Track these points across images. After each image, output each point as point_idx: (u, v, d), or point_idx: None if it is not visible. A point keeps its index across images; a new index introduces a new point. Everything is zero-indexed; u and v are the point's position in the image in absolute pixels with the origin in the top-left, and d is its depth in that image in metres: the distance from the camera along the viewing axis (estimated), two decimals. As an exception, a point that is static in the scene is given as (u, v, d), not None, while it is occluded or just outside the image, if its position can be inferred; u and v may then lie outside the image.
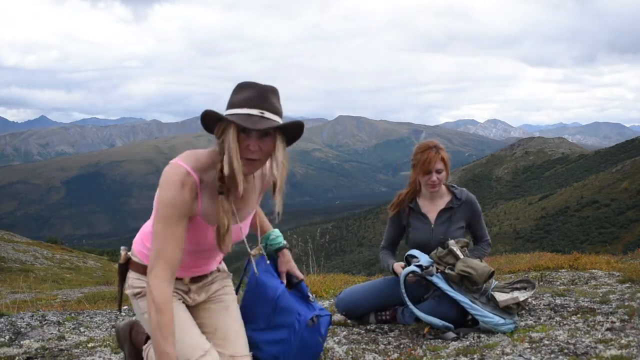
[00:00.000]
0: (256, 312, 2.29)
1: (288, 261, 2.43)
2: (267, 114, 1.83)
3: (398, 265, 3.37)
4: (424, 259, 3.25)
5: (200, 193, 1.90)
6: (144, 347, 2.28)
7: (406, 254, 3.37)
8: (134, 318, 2.66)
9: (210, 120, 1.87)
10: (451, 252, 3.17)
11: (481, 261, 3.25)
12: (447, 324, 3.08)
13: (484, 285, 3.12)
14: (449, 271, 3.10)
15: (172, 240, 1.85)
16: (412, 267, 3.18)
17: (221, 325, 2.20)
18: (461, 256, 3.15)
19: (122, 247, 2.20)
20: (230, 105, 1.85)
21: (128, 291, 2.15)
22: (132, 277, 2.14)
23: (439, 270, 3.15)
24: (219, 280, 2.32)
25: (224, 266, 2.41)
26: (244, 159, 1.84)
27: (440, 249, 3.24)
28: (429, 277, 3.12)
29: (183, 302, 2.19)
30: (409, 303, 3.17)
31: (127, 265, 2.16)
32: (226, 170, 1.83)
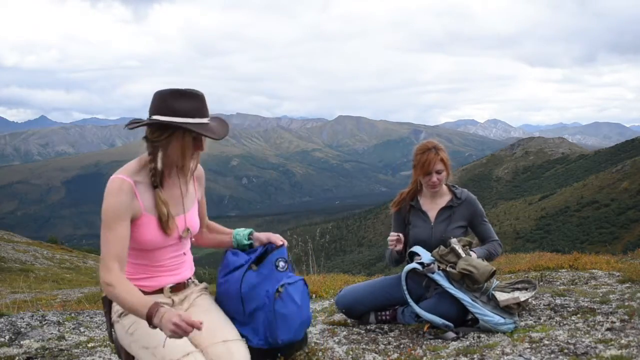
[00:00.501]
0: (231, 312, 2.36)
1: (262, 236, 2.49)
2: (207, 120, 2.15)
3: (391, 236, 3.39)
4: (426, 256, 3.26)
5: (138, 192, 2.12)
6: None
7: (409, 251, 3.38)
8: None
9: (152, 125, 2.10)
10: (453, 251, 3.17)
11: (484, 260, 3.25)
12: (447, 322, 3.08)
13: (485, 284, 3.12)
14: (451, 269, 3.11)
15: (115, 240, 2.05)
16: (413, 264, 3.18)
17: (205, 320, 2.24)
18: (463, 255, 3.15)
19: None
20: (175, 113, 2.06)
21: (114, 316, 2.25)
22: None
23: (441, 268, 3.15)
24: (197, 292, 2.44)
25: (197, 282, 2.50)
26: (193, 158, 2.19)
27: (442, 247, 3.24)
28: (430, 275, 3.13)
29: None
30: (409, 300, 3.18)
31: None
32: (160, 166, 2.13)
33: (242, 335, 2.28)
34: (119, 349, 2.29)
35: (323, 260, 7.51)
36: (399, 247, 3.38)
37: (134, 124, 2.13)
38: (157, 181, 2.15)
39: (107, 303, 2.29)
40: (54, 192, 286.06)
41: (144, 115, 2.17)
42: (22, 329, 3.64)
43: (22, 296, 8.23)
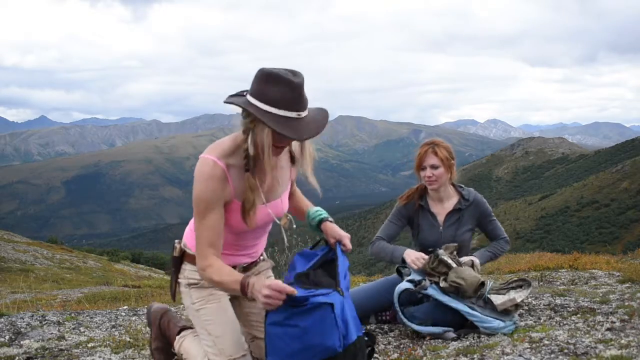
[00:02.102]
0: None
1: (333, 231, 2.26)
2: (303, 114, 1.90)
3: (410, 255, 3.22)
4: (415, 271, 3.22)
5: (230, 177, 2.01)
6: (177, 337, 2.36)
7: (397, 267, 3.33)
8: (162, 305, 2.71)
9: (240, 106, 1.94)
10: (442, 262, 3.09)
11: (489, 260, 3.22)
12: (447, 329, 3.06)
13: (479, 292, 3.10)
14: (443, 283, 3.05)
15: (208, 229, 2.00)
16: (405, 285, 3.10)
17: None
18: (453, 265, 3.08)
19: (175, 240, 2.30)
20: (263, 98, 1.87)
21: (182, 281, 2.25)
22: (188, 268, 2.24)
23: (432, 282, 3.08)
24: (264, 271, 2.40)
25: (265, 256, 2.47)
26: (275, 148, 1.98)
27: (430, 258, 3.12)
28: (423, 292, 3.08)
29: (229, 298, 2.28)
30: (405, 321, 3.12)
31: (181, 257, 2.27)
32: (251, 151, 1.95)
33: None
34: (153, 319, 2.36)
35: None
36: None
37: (231, 101, 1.96)
38: (249, 164, 1.99)
39: (177, 263, 2.26)
40: (54, 192, 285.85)
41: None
42: (22, 329, 3.64)
43: (22, 296, 8.23)
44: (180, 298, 2.29)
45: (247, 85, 2.01)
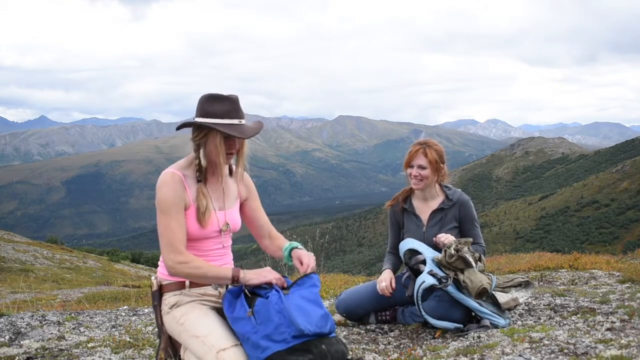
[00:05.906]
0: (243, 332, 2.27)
1: (299, 256, 2.48)
2: (243, 121, 2.37)
3: (381, 282, 3.38)
4: (428, 253, 3.22)
5: (187, 185, 2.37)
6: (182, 349, 2.40)
7: (406, 249, 3.31)
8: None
9: (191, 126, 2.37)
10: (462, 259, 3.09)
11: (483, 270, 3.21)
12: (458, 325, 3.09)
13: (479, 299, 3.12)
14: (465, 280, 3.08)
15: (177, 225, 2.28)
16: (431, 281, 3.09)
17: None
18: (474, 265, 3.09)
19: (152, 277, 2.48)
20: (209, 115, 2.32)
21: (164, 308, 2.40)
22: (167, 296, 2.42)
23: (451, 278, 3.11)
24: None
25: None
26: (227, 154, 2.38)
27: (450, 251, 3.12)
28: (444, 289, 3.11)
29: (214, 309, 2.41)
30: (428, 318, 3.12)
31: (160, 290, 2.44)
32: (204, 163, 2.38)
33: (259, 346, 2.17)
34: (162, 347, 2.42)
35: (323, 260, 7.51)
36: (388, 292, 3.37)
37: (182, 126, 2.38)
38: (200, 176, 2.38)
39: (158, 296, 2.43)
40: (54, 192, 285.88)
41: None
42: (22, 329, 3.64)
43: (22, 296, 8.23)
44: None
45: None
